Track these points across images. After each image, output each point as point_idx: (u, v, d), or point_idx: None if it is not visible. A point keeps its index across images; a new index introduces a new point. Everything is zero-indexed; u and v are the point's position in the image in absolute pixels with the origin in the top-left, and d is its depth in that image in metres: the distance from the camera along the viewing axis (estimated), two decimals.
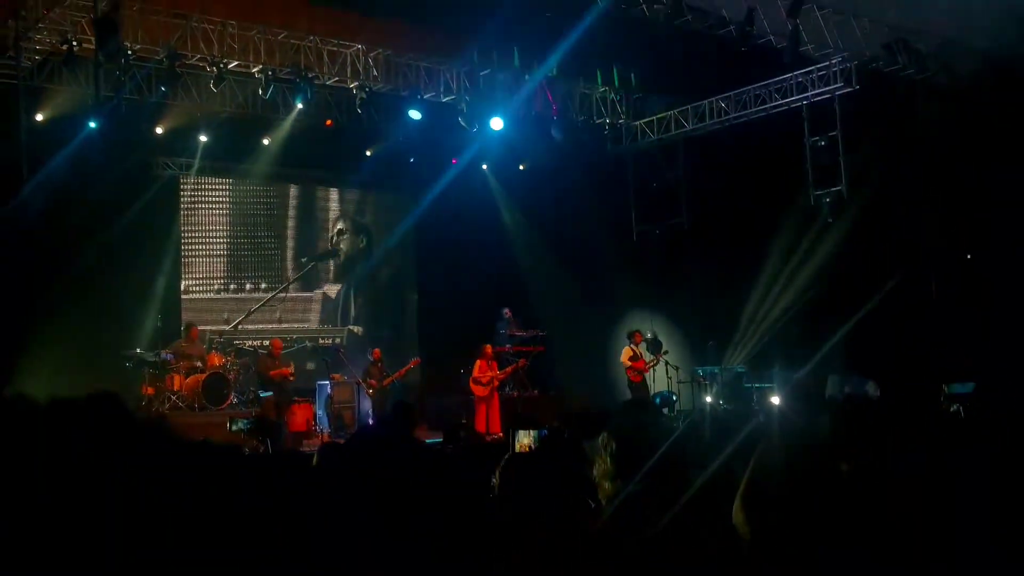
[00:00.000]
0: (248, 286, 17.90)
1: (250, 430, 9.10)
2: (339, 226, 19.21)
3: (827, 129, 15.43)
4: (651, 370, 16.19)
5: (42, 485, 2.40)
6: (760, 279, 15.91)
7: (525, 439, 7.75)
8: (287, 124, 16.06)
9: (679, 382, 16.52)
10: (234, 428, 8.85)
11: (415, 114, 15.82)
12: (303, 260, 18.53)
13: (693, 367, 16.70)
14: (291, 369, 15.19)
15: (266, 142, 16.57)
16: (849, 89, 15.00)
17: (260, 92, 14.56)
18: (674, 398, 16.24)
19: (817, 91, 15.40)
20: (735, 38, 13.40)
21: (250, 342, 16.99)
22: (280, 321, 17.91)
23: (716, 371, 16.39)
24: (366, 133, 16.80)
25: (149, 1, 12.97)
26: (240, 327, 16.80)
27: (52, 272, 13.90)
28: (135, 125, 14.74)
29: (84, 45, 12.65)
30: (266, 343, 16.56)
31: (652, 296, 17.25)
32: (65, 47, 12.66)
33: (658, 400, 15.65)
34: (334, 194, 19.24)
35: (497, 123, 16.39)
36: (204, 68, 14.02)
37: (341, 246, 19.19)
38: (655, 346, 16.26)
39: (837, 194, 15.27)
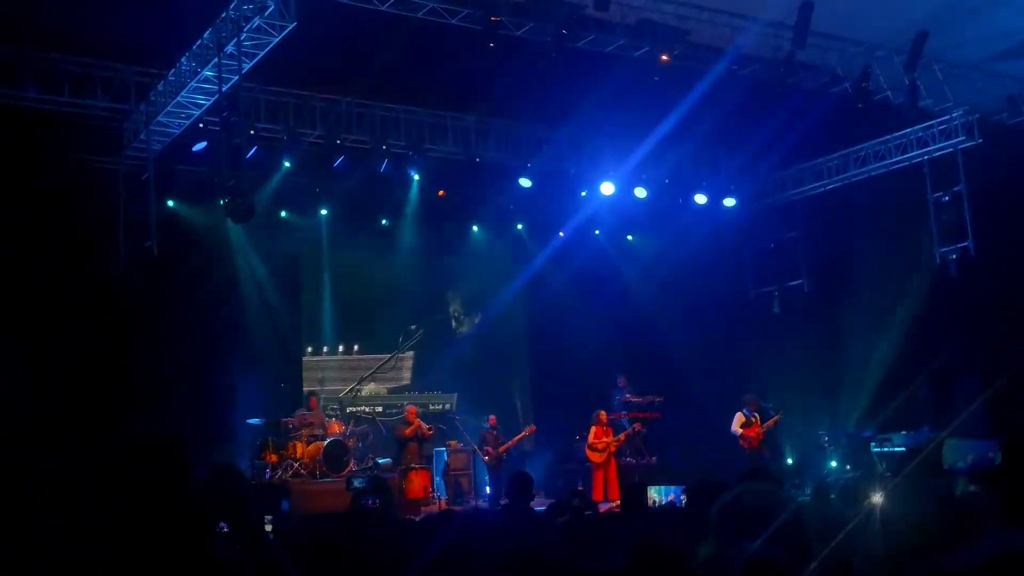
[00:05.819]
0: (363, 352, 18.17)
1: (364, 489, 9.52)
2: (450, 293, 19.37)
3: (951, 184, 14.92)
4: (764, 435, 15.56)
5: None
6: (886, 340, 15.34)
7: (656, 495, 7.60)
8: (402, 194, 16.40)
9: (801, 448, 15.96)
10: (351, 487, 9.22)
11: (526, 182, 16.00)
12: (412, 328, 18.67)
13: (817, 431, 16.10)
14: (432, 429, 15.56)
15: (382, 217, 16.94)
16: (972, 143, 14.50)
17: (376, 165, 14.94)
18: (789, 462, 15.65)
19: (938, 145, 14.94)
20: (851, 95, 13.17)
21: (366, 408, 17.23)
22: (380, 385, 18.16)
23: (841, 436, 15.79)
24: (478, 201, 17.01)
25: (271, 81, 13.53)
26: (355, 393, 17.13)
27: (178, 343, 14.34)
28: (258, 200, 15.24)
29: (209, 126, 13.21)
30: (379, 409, 17.20)
31: (772, 359, 16.75)
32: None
33: (771, 468, 15.02)
34: (446, 261, 19.44)
35: (608, 188, 16.43)
36: (323, 143, 14.48)
37: (452, 313, 19.33)
38: (768, 412, 15.67)
39: (964, 250, 14.69)
